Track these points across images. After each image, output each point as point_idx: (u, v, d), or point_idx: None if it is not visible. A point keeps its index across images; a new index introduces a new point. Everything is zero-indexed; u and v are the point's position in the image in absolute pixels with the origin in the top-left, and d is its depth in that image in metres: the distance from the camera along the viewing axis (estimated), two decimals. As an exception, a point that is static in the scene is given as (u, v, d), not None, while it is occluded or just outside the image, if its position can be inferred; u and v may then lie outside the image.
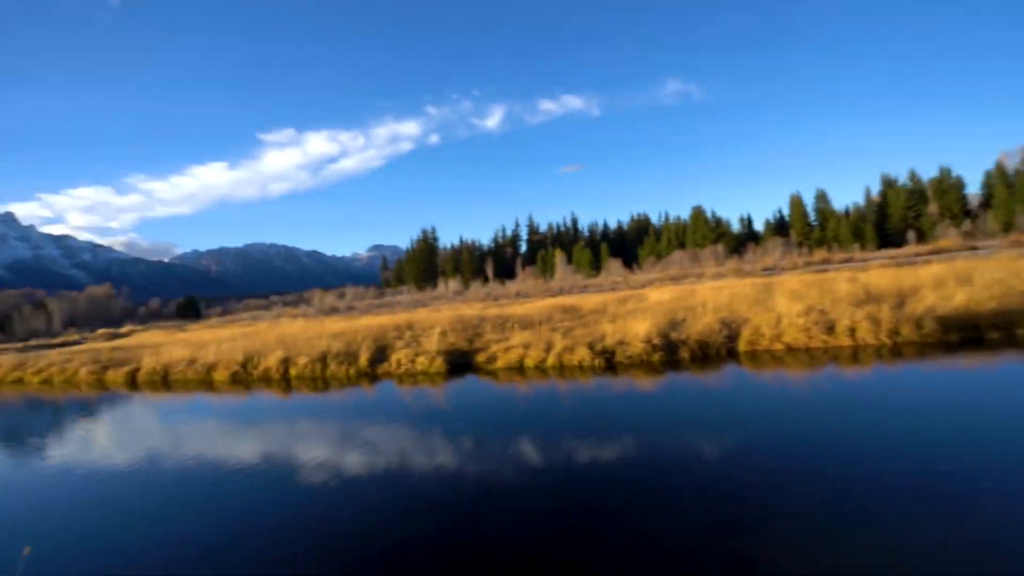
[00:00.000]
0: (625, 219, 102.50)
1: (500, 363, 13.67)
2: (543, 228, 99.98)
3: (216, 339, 22.14)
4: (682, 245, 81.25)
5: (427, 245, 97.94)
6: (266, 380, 15.58)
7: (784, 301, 14.29)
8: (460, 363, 14.31)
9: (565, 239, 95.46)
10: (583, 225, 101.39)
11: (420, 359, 14.23)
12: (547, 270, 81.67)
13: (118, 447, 9.99)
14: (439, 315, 22.05)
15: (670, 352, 12.88)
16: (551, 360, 13.10)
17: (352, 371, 14.86)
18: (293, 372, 15.53)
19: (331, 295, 77.85)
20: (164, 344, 24.39)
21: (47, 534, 5.75)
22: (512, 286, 61.71)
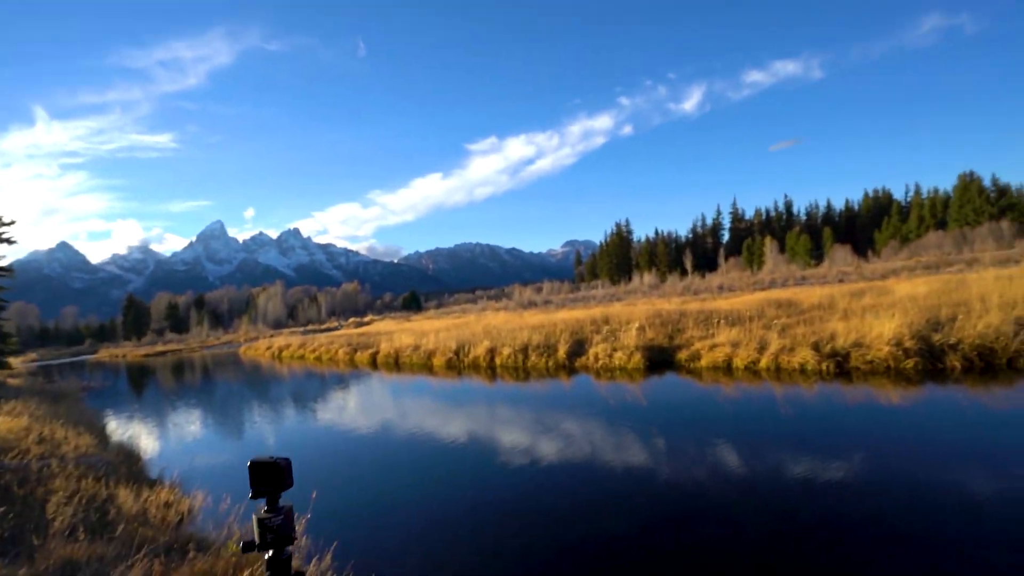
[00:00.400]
0: (855, 198, 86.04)
1: (704, 362, 12.66)
2: (749, 214, 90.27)
3: (434, 329, 25.35)
4: (941, 225, 64.79)
5: (621, 238, 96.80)
6: (475, 367, 17.19)
7: None
8: (659, 360, 13.68)
9: (776, 225, 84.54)
10: (798, 208, 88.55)
11: (618, 354, 14.02)
12: (754, 260, 73.33)
13: (367, 414, 12.10)
14: (635, 309, 21.51)
15: (931, 359, 10.28)
16: (765, 361, 11.62)
17: (551, 363, 15.42)
18: (498, 361, 16.81)
19: (529, 289, 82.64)
20: (395, 332, 28.86)
21: (328, 481, 7.19)
22: (713, 279, 57.00)
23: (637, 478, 6.36)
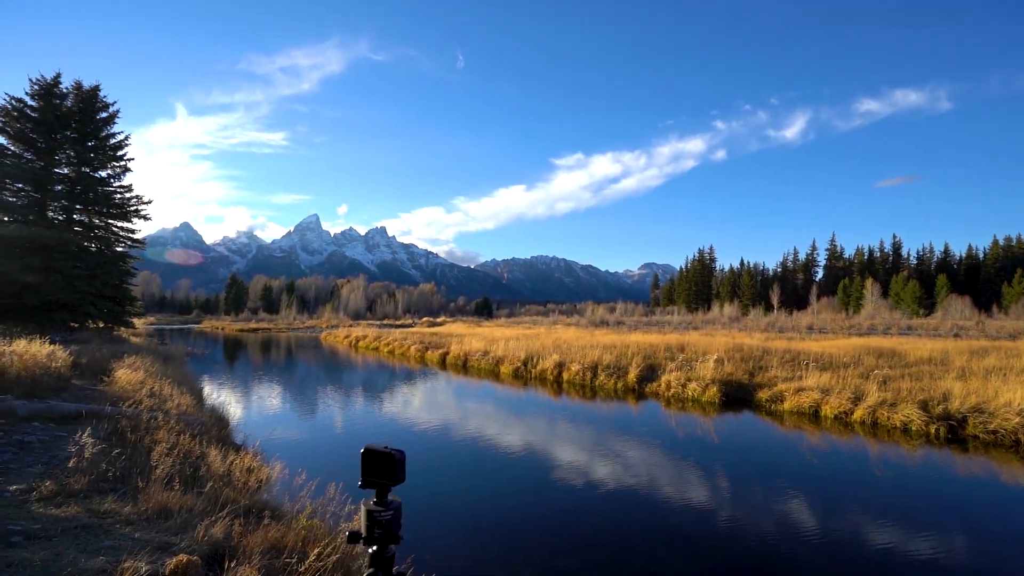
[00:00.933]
0: (980, 244, 76.66)
1: (787, 404, 11.71)
2: (849, 252, 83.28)
3: (504, 337, 25.56)
4: (1090, 285, 56.03)
5: (703, 265, 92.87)
6: (541, 380, 17.08)
7: None
8: (736, 396, 12.85)
9: (880, 267, 77.26)
10: (908, 250, 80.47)
11: (692, 385, 13.35)
12: (850, 303, 67.35)
13: (433, 411, 12.37)
14: (714, 340, 20.45)
15: (1072, 438, 8.82)
16: (859, 413, 10.54)
17: (620, 385, 14.98)
18: (565, 376, 16.60)
19: (602, 308, 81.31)
20: (466, 335, 29.43)
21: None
22: (802, 317, 52.95)
23: (693, 517, 5.97)
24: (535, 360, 18.30)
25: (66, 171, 22.33)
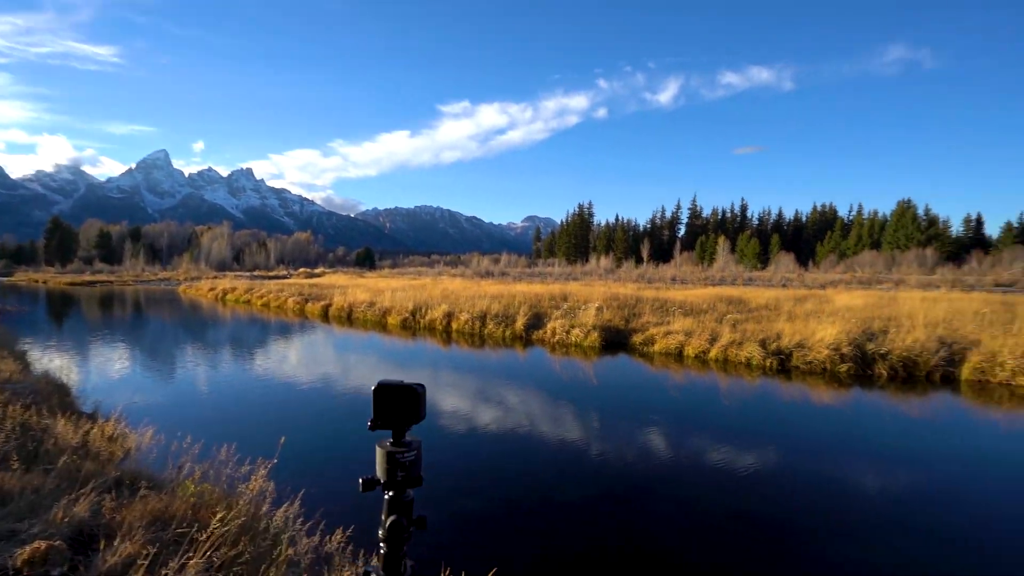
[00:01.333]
0: (805, 209, 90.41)
1: (657, 347, 13.10)
2: (706, 212, 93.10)
3: (390, 288, 24.88)
4: (876, 245, 69.23)
5: (582, 220, 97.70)
6: (430, 330, 17.06)
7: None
8: (615, 341, 14.05)
9: (730, 226, 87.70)
10: (752, 212, 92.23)
11: (575, 331, 14.27)
12: (706, 257, 76.12)
13: (320, 364, 11.78)
14: (593, 290, 21.88)
15: (862, 365, 11.07)
16: (715, 352, 12.15)
17: (508, 333, 15.51)
18: (455, 326, 16.74)
19: (487, 259, 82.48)
20: (348, 287, 28.13)
21: (291, 427, 6.98)
22: (667, 270, 58.80)
23: (570, 450, 6.54)
24: (423, 310, 18.17)
25: None
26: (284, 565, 2.94)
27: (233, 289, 31.57)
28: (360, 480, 1.06)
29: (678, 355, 12.69)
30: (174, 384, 10.21)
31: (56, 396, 6.39)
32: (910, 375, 10.74)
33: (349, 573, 2.61)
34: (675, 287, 30.21)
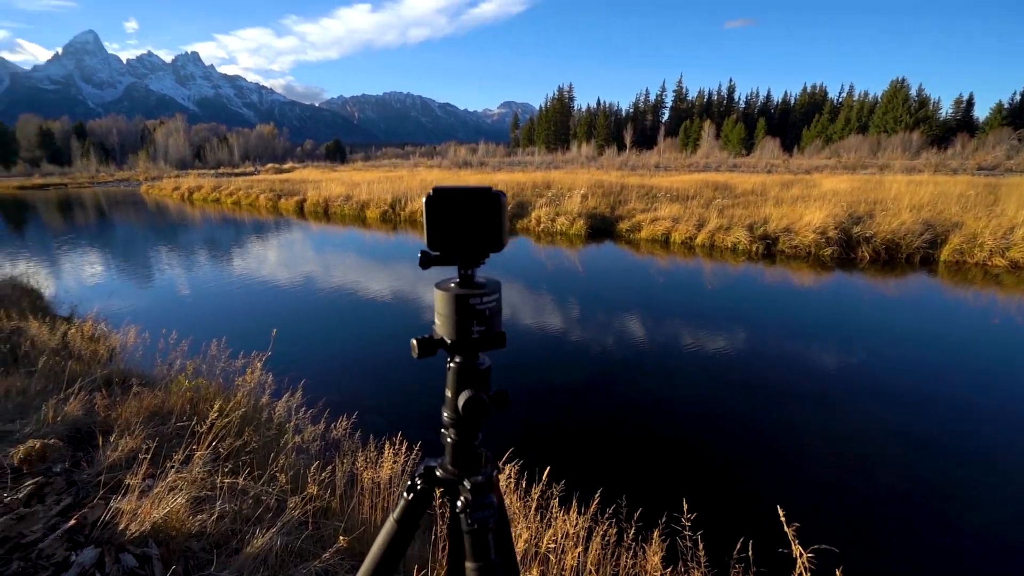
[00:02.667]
0: (795, 91, 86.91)
1: (644, 234, 13.03)
2: (692, 95, 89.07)
3: (365, 180, 23.84)
4: (863, 129, 67.95)
5: (562, 105, 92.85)
6: (412, 222, 16.62)
7: (1018, 207, 11.41)
8: (601, 228, 13.91)
9: (716, 110, 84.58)
10: (740, 95, 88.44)
11: (560, 219, 14.03)
12: (689, 144, 74.17)
13: (296, 263, 11.50)
14: (577, 177, 21.30)
15: (846, 249, 11.22)
16: (702, 238, 12.14)
17: (493, 224, 15.18)
18: (438, 219, 16.26)
19: (464, 149, 79.12)
20: (322, 181, 26.89)
21: (283, 320, 6.87)
22: (650, 157, 57.33)
23: (559, 339, 6.62)
24: (403, 202, 17.58)
25: None
26: (293, 452, 2.92)
27: (199, 188, 29.97)
28: (413, 343, 0.73)
29: (665, 241, 12.67)
30: (152, 286, 9.88)
31: (26, 300, 6.08)
32: (891, 257, 10.96)
33: (362, 457, 2.59)
34: (659, 174, 29.62)
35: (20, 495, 2.47)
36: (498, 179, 21.68)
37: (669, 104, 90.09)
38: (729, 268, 10.59)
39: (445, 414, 0.77)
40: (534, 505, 2.23)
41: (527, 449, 3.82)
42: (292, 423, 3.20)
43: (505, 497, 2.30)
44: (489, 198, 0.71)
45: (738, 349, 6.09)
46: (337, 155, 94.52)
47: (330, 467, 2.56)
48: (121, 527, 2.20)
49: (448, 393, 0.77)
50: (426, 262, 0.72)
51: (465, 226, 0.73)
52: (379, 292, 8.76)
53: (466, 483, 0.77)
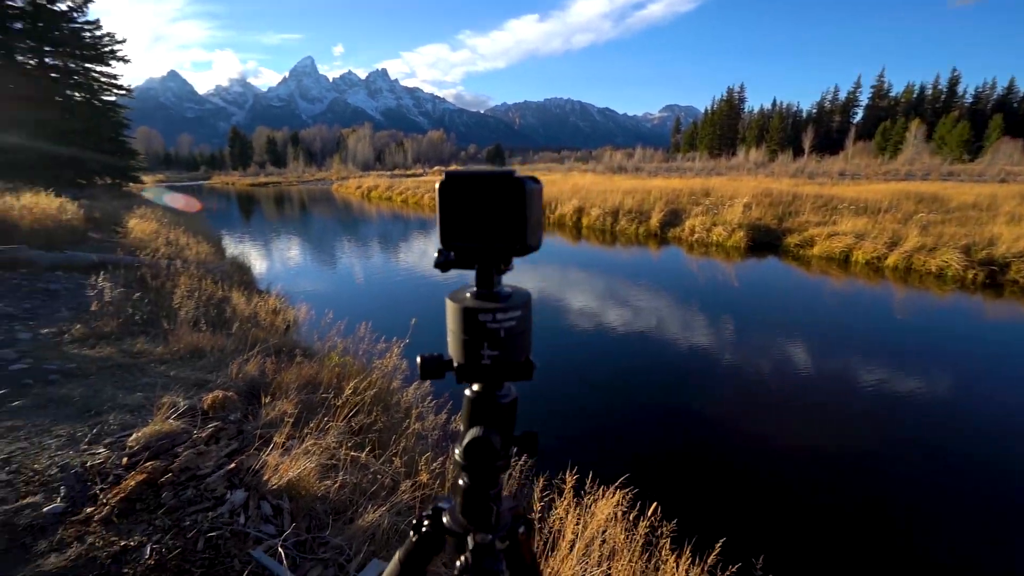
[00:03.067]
0: (1049, 78, 68.66)
1: (817, 250, 11.37)
2: (896, 90, 75.85)
3: (520, 184, 24.68)
4: None
5: (731, 107, 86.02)
6: (560, 225, 16.75)
7: None
8: (763, 241, 12.49)
9: (929, 107, 70.81)
10: (965, 87, 72.87)
11: (717, 229, 12.93)
12: (888, 147, 63.20)
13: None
14: (741, 185, 19.48)
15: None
16: (894, 259, 10.18)
17: (641, 230, 14.62)
18: (585, 222, 16.20)
19: (620, 153, 77.90)
20: (481, 184, 28.51)
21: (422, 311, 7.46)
22: (833, 163, 50.15)
23: (704, 360, 5.96)
24: (553, 205, 17.81)
25: (19, 2, 19.70)
26: (413, 437, 3.05)
27: (376, 187, 34.02)
28: (418, 360, 0.63)
29: (843, 260, 10.90)
30: (327, 269, 11.44)
31: (237, 275, 7.40)
32: None
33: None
34: (844, 183, 25.72)
35: (204, 434, 2.97)
36: (652, 185, 20.83)
37: (864, 102, 77.94)
38: (932, 297, 8.71)
39: (455, 452, 0.64)
40: (641, 541, 2.01)
41: (652, 478, 3.53)
42: (417, 410, 3.37)
43: (609, 526, 2.12)
44: (510, 185, 0.56)
45: (947, 395, 4.93)
46: (496, 158, 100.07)
47: (441, 459, 2.61)
48: (265, 478, 2.50)
49: (460, 426, 0.65)
50: (443, 264, 0.61)
51: (482, 220, 0.58)
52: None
53: (470, 540, 0.63)
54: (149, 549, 2.03)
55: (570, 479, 2.30)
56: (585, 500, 2.29)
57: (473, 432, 0.60)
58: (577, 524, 2.18)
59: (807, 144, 64.77)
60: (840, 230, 11.51)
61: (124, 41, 22.12)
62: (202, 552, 2.07)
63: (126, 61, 22.52)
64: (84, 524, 2.17)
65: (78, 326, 4.41)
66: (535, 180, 0.58)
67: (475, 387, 0.63)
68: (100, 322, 4.48)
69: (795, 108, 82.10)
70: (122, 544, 2.06)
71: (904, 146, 58.95)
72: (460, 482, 0.64)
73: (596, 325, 7.12)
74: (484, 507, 0.62)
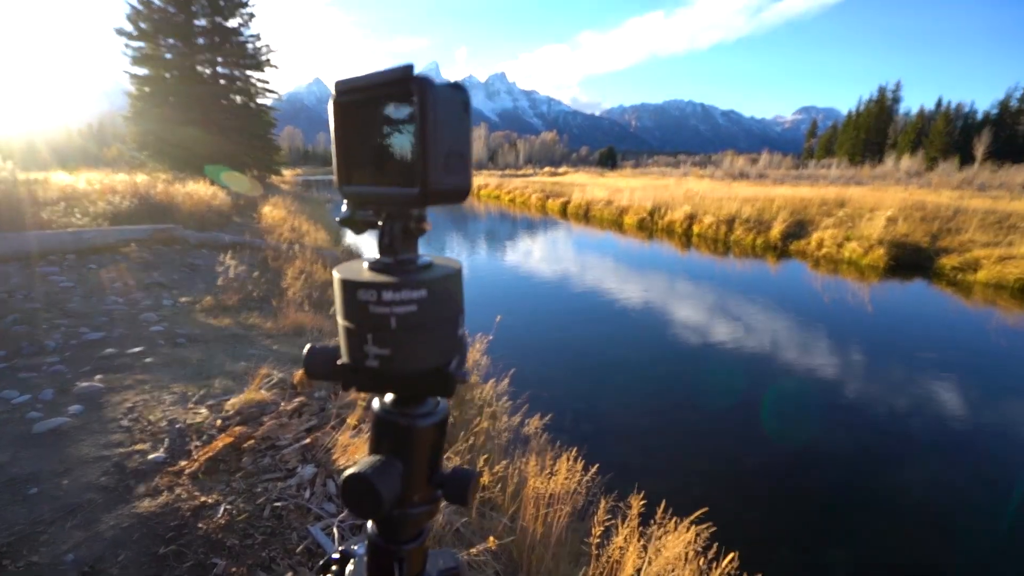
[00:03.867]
0: None
1: (982, 275, 9.56)
2: (1111, 86, 61.87)
3: (629, 187, 23.96)
4: None
5: (881, 108, 76.07)
6: (668, 232, 15.92)
7: None
8: (909, 261, 10.79)
9: None
10: None
11: (851, 244, 11.42)
12: (1094, 155, 51.75)
13: (551, 261, 12.23)
14: (885, 196, 17.10)
15: None
16: (1092, 290, 8.23)
17: (759, 241, 13.39)
18: (696, 229, 15.23)
19: (742, 159, 72.61)
20: (588, 184, 28.17)
21: (508, 312, 7.50)
22: (1016, 173, 42.22)
23: (827, 396, 5.18)
24: (662, 211, 16.97)
25: (203, 23, 23.13)
26: (482, 436, 2.98)
27: (486, 185, 35.03)
28: (304, 351, 0.46)
29: (1020, 290, 9.04)
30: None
31: (346, 260, 7.94)
32: None
33: (536, 462, 2.46)
34: (1026, 196, 21.47)
35: (289, 407, 3.15)
36: (776, 193, 19.06)
37: (1063, 101, 64.64)
38: None
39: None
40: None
41: (737, 520, 3.12)
42: (492, 408, 3.29)
43: (678, 566, 1.86)
44: (403, 88, 0.37)
45: None
46: (608, 161, 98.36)
47: (504, 462, 2.50)
48: (334, 456, 2.57)
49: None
50: (348, 220, 0.43)
51: (374, 151, 0.41)
52: (613, 298, 8.62)
53: None
54: (222, 509, 2.16)
55: (636, 503, 2.07)
56: (652, 531, 2.04)
57: (358, 465, 0.42)
58: (640, 558, 1.94)
59: (979, 150, 55.26)
60: (1018, 253, 9.57)
61: (274, 51, 25.02)
62: (267, 519, 2.16)
63: (275, 67, 25.44)
64: (176, 476, 2.37)
65: (208, 297, 4.96)
66: (457, 86, 0.39)
67: (385, 397, 0.46)
68: (225, 296, 5.00)
69: (966, 108, 70.52)
70: (201, 500, 2.21)
71: (1118, 155, 47.91)
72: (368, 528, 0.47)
73: (694, 340, 6.60)
74: (386, 567, 0.46)
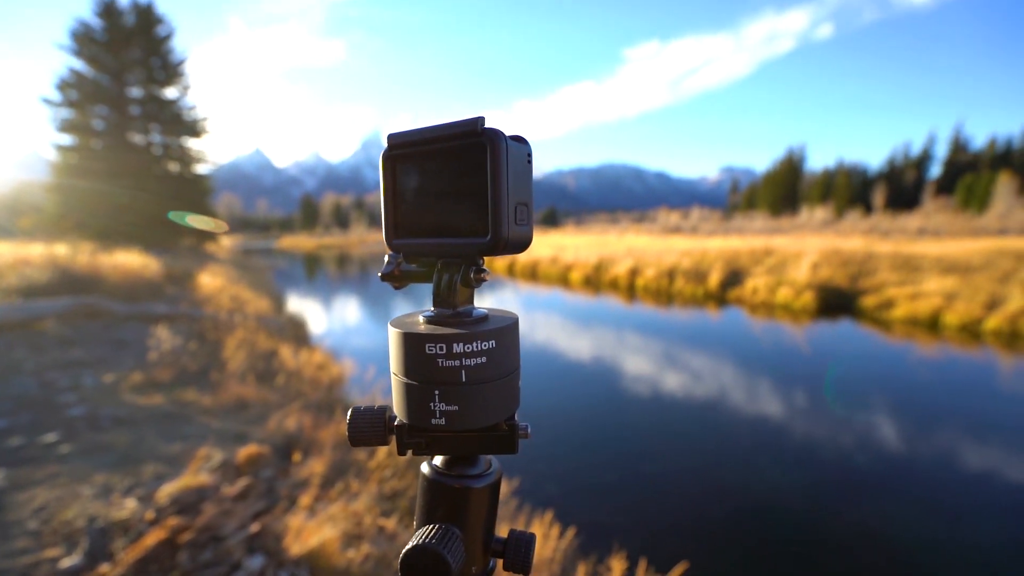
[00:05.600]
0: None
1: (899, 312, 10.40)
2: (977, 144, 71.96)
3: (574, 244, 24.81)
4: None
5: (791, 167, 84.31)
6: (613, 286, 16.42)
7: None
8: (835, 303, 11.61)
9: (1016, 159, 66.36)
10: (1056, 140, 67.82)
11: (783, 290, 12.19)
12: (973, 203, 59.06)
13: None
14: (806, 244, 18.57)
15: None
16: (994, 322, 9.10)
17: (699, 291, 14.04)
18: (640, 283, 15.81)
19: (675, 214, 77.44)
20: (533, 244, 28.91)
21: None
22: (909, 220, 47.27)
23: (773, 435, 5.34)
24: (607, 266, 17.57)
25: (137, 92, 22.80)
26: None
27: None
28: (347, 415, 0.45)
29: (931, 324, 9.87)
30: (374, 327, 11.60)
31: (291, 329, 7.60)
32: None
33: (506, 529, 2.31)
34: (924, 240, 24.00)
35: (233, 491, 2.85)
36: (710, 245, 20.30)
37: (943, 156, 74.13)
38: (1043, 365, 7.62)
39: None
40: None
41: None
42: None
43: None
44: (474, 142, 0.37)
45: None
46: (550, 221, 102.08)
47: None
48: (286, 543, 2.32)
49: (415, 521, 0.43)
50: (392, 275, 0.42)
51: (435, 203, 0.41)
52: (566, 354, 8.65)
53: None
54: (153, 619, 1.87)
55: (619, 567, 1.97)
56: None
57: (415, 537, 0.38)
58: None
59: (878, 201, 61.84)
60: (926, 290, 10.54)
61: (206, 119, 24.79)
62: (208, 626, 1.89)
63: (209, 133, 25.09)
64: (96, 584, 2.05)
65: (136, 374, 4.56)
66: (521, 140, 0.39)
67: (434, 460, 0.43)
68: (157, 371, 4.61)
69: (861, 166, 79.28)
70: (127, 611, 1.91)
71: (992, 201, 54.94)
72: None
73: (647, 393, 6.67)
74: None
